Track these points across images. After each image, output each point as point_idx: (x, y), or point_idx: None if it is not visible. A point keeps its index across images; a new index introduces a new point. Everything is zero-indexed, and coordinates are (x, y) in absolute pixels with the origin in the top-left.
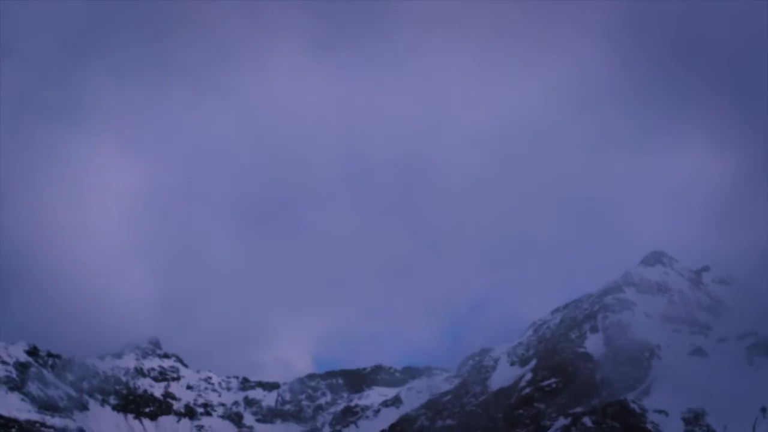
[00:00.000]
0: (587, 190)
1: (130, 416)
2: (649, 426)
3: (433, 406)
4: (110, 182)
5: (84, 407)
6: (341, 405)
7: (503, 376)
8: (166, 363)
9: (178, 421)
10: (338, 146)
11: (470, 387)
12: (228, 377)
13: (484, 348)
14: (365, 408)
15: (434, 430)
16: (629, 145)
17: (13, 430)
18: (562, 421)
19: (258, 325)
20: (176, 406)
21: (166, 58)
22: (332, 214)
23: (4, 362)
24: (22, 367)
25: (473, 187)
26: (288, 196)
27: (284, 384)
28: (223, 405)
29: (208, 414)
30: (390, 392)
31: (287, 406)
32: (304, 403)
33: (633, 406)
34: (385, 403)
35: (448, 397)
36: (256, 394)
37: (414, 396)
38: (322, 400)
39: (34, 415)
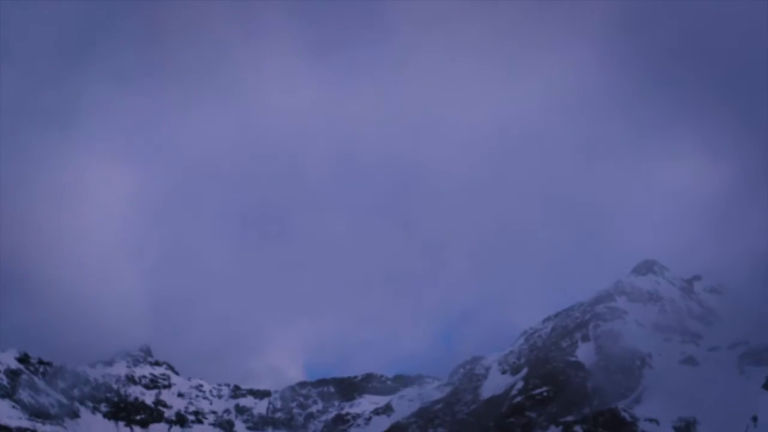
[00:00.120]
0: (579, 198)
1: (121, 424)
2: None
3: (425, 415)
4: (103, 187)
5: (75, 414)
6: (332, 413)
7: (494, 384)
8: (157, 370)
9: (169, 429)
10: (331, 151)
11: (461, 395)
12: (219, 385)
13: (475, 356)
14: (356, 416)
15: None
16: (622, 152)
17: None
18: (553, 430)
19: (249, 333)
20: (167, 413)
21: (161, 63)
22: (325, 220)
23: None
24: (13, 374)
25: (466, 194)
26: (280, 202)
27: (275, 392)
28: (214, 413)
29: (199, 422)
30: (381, 400)
31: (278, 414)
32: (296, 411)
33: (624, 414)
34: (377, 411)
35: (440, 406)
36: (248, 401)
37: (405, 404)
38: (314, 408)
39: (25, 423)
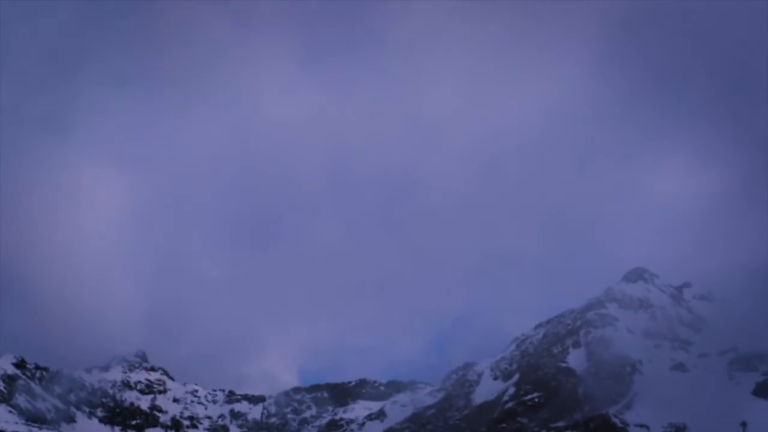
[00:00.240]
0: (570, 206)
1: (117, 428)
2: None
3: (417, 420)
4: (99, 193)
5: (71, 419)
6: (326, 418)
7: (487, 390)
8: (153, 376)
9: None
10: (325, 160)
11: (454, 401)
12: (214, 390)
13: (467, 362)
14: (350, 421)
15: None
16: (613, 161)
17: None
18: None
19: (244, 339)
20: (163, 418)
21: (155, 70)
22: (318, 228)
23: None
24: (9, 379)
25: (457, 203)
26: (274, 210)
27: (270, 397)
28: (209, 418)
29: (194, 426)
30: (374, 406)
31: (273, 419)
32: (290, 416)
33: (615, 420)
34: (370, 417)
35: (432, 411)
36: (242, 407)
37: (398, 410)
38: (308, 414)
39: (21, 428)
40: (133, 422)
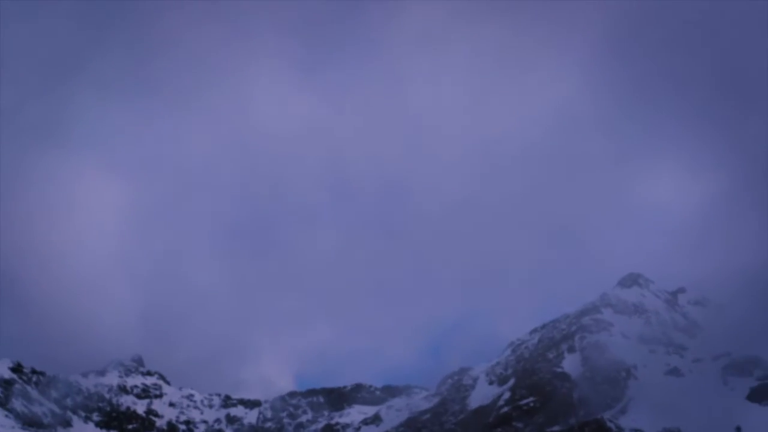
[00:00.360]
0: (565, 211)
1: None
2: None
3: (413, 424)
4: (93, 201)
5: (68, 424)
6: (322, 423)
7: (482, 394)
8: (149, 380)
9: None
10: (321, 166)
11: (449, 405)
12: (210, 395)
13: (463, 367)
14: (345, 426)
15: None
16: (606, 167)
17: None
18: None
19: (240, 343)
20: (159, 423)
21: (150, 78)
22: (314, 233)
23: None
24: (6, 383)
25: (453, 208)
26: (270, 216)
27: (266, 402)
28: (205, 422)
29: (190, 431)
30: (370, 410)
31: (268, 424)
32: (285, 420)
33: (610, 424)
34: (365, 421)
35: (428, 416)
36: (238, 411)
37: (393, 414)
38: (303, 418)
39: None
40: (130, 426)
